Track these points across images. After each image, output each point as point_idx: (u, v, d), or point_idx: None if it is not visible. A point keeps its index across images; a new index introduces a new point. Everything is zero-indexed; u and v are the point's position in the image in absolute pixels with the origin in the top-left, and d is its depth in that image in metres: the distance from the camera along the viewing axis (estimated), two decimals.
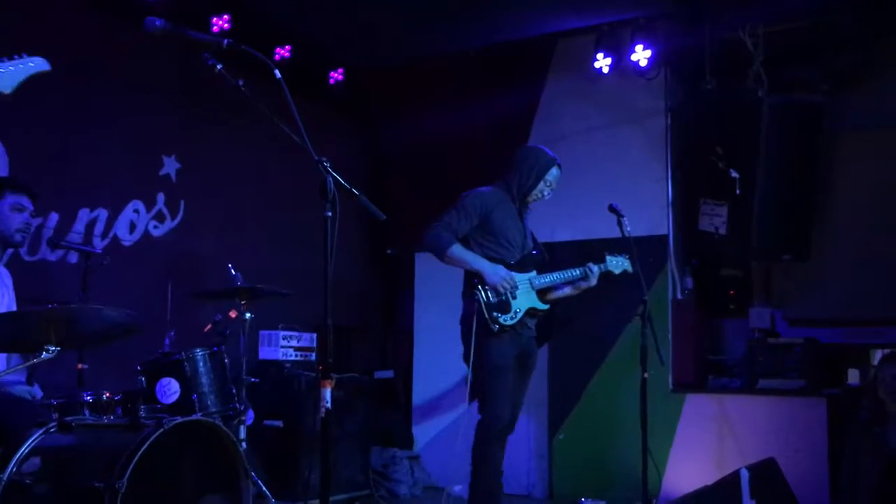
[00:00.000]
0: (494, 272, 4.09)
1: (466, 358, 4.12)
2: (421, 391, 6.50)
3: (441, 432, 6.32)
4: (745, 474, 3.52)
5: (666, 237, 5.67)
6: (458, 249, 4.11)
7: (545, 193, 4.36)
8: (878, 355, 4.93)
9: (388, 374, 6.75)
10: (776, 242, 5.34)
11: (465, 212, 4.16)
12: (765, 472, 3.86)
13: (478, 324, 4.03)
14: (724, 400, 5.32)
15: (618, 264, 4.44)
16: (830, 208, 5.47)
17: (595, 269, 4.36)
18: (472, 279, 4.11)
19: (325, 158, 2.52)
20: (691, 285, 5.88)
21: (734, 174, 5.56)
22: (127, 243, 5.00)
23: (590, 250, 5.66)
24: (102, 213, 4.87)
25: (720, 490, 3.47)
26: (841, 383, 5.22)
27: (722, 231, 5.71)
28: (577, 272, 4.35)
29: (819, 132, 5.30)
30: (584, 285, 4.37)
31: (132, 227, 5.04)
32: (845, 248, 5.42)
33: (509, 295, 4.11)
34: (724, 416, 5.24)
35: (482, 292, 4.07)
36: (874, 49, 5.31)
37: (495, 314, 4.07)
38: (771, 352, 5.31)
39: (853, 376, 5.21)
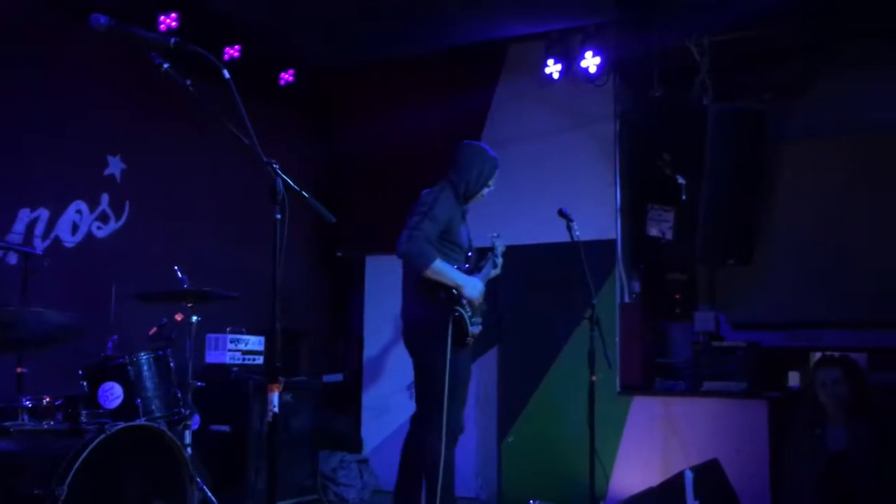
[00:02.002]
0: (473, 287, 4.10)
1: (431, 367, 4.07)
2: (370, 395, 6.48)
3: (391, 436, 6.30)
4: (689, 475, 3.58)
5: (614, 241, 5.75)
6: (441, 263, 4.03)
7: (485, 194, 4.38)
8: (817, 358, 5.06)
9: (338, 377, 6.71)
10: (720, 247, 5.44)
11: (437, 221, 4.08)
12: (708, 473, 3.94)
13: (454, 336, 4.01)
14: (669, 402, 5.41)
15: (501, 244, 4.52)
16: (773, 214, 5.60)
17: (499, 257, 4.45)
18: (449, 291, 4.04)
19: (274, 160, 2.49)
20: (639, 289, 5.97)
21: (681, 180, 5.67)
22: (69, 244, 4.89)
23: (541, 253, 5.75)
24: (44, 214, 4.75)
25: (665, 491, 3.52)
26: (782, 386, 5.34)
27: (668, 236, 5.81)
28: (491, 264, 4.41)
29: (762, 140, 5.42)
30: (493, 274, 4.43)
31: (74, 227, 4.93)
32: (787, 254, 5.56)
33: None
34: (670, 417, 5.33)
35: (462, 307, 4.06)
36: (817, 59, 5.45)
37: (469, 328, 4.10)
38: (715, 355, 5.41)
39: (794, 379, 5.33)
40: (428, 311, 4.12)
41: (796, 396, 4.99)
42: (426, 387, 4.16)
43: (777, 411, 5.00)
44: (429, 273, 4.01)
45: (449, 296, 4.05)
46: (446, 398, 4.02)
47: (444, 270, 4.04)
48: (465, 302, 4.07)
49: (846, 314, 5.34)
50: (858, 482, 3.81)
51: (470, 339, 4.10)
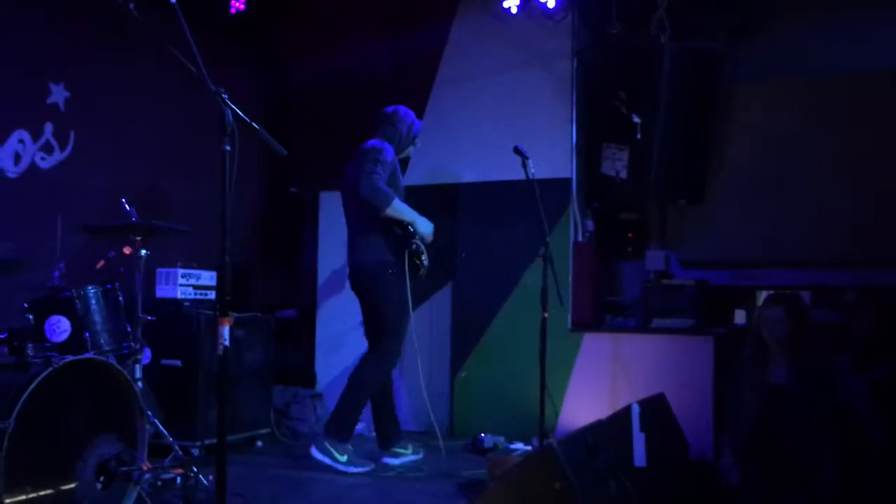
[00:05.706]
0: (426, 224, 4.70)
1: (387, 302, 4.63)
2: (324, 330, 6.48)
3: (344, 371, 6.30)
4: (635, 409, 3.66)
5: (569, 180, 5.76)
6: (398, 201, 4.59)
7: (410, 151, 5.06)
8: (762, 296, 5.18)
9: (291, 313, 6.69)
10: (672, 187, 5.50)
11: (386, 167, 4.58)
12: (654, 407, 4.02)
13: (409, 268, 4.61)
14: (619, 338, 5.51)
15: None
16: (724, 155, 5.65)
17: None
18: (404, 227, 4.59)
19: (222, 89, 2.43)
20: (592, 228, 6.01)
21: (636, 119, 5.66)
22: (11, 175, 4.74)
23: (496, 191, 5.75)
24: None
25: (612, 424, 3.60)
26: (728, 323, 5.47)
27: (623, 175, 5.83)
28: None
29: (715, 80, 5.44)
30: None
31: (17, 158, 4.77)
32: (735, 194, 5.63)
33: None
34: (619, 354, 5.43)
35: (419, 241, 4.65)
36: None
37: (424, 259, 4.66)
38: (664, 293, 5.51)
39: (739, 316, 5.46)
40: (384, 249, 4.64)
41: (742, 333, 5.11)
42: (382, 321, 4.66)
43: (723, 348, 5.12)
44: (389, 211, 4.53)
45: (405, 231, 4.59)
46: (403, 328, 4.65)
47: (402, 208, 4.61)
48: (418, 237, 4.64)
49: (791, 254, 5.46)
50: (795, 416, 3.93)
51: (423, 271, 4.66)
